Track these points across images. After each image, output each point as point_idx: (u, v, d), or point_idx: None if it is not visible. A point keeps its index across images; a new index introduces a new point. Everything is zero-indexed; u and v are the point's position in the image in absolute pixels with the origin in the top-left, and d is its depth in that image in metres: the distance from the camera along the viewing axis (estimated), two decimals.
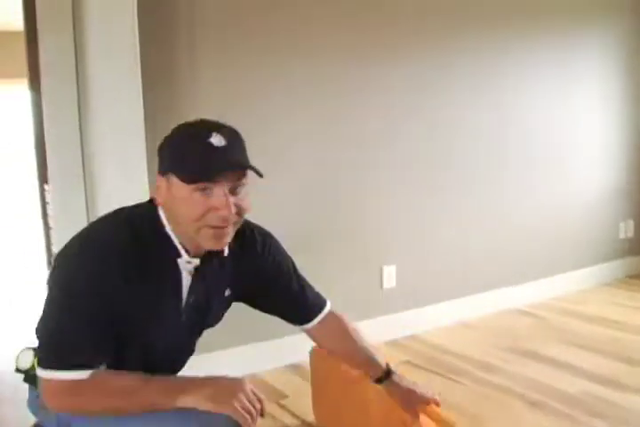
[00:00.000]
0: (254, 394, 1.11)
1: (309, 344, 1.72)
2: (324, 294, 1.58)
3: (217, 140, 1.08)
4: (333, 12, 2.47)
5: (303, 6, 2.40)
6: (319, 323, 1.54)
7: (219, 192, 1.08)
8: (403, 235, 2.81)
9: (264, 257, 1.40)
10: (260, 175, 1.13)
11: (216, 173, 1.07)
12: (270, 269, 1.42)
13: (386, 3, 2.61)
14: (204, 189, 1.08)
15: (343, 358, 1.62)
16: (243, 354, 2.35)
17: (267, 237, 1.42)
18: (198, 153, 1.08)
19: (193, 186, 1.08)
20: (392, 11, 2.63)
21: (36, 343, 1.15)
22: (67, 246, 1.16)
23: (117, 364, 1.16)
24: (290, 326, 1.58)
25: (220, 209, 1.08)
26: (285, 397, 2.18)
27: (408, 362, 2.50)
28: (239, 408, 1.05)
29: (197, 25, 2.16)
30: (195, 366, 1.41)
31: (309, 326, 1.54)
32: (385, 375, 1.55)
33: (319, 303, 1.55)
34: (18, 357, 1.26)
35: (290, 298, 1.49)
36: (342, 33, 2.50)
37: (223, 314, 1.41)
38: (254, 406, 1.08)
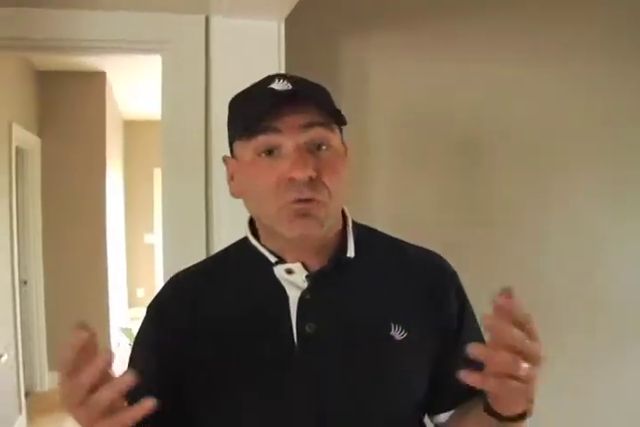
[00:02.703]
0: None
1: None
2: None
3: (280, 85, 0.79)
4: None
5: None
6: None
7: (287, 149, 0.77)
8: None
9: (444, 284, 0.89)
10: (343, 123, 0.82)
11: (271, 113, 0.76)
12: (454, 309, 0.88)
13: None
14: (270, 152, 0.78)
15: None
16: None
17: (446, 262, 0.93)
18: (256, 100, 0.80)
19: (254, 145, 0.79)
20: None
21: None
22: None
23: None
24: None
25: (290, 170, 0.75)
26: None
27: None
28: (78, 409, 0.63)
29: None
30: None
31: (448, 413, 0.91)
32: None
33: None
34: None
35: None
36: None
37: (413, 375, 0.83)
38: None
